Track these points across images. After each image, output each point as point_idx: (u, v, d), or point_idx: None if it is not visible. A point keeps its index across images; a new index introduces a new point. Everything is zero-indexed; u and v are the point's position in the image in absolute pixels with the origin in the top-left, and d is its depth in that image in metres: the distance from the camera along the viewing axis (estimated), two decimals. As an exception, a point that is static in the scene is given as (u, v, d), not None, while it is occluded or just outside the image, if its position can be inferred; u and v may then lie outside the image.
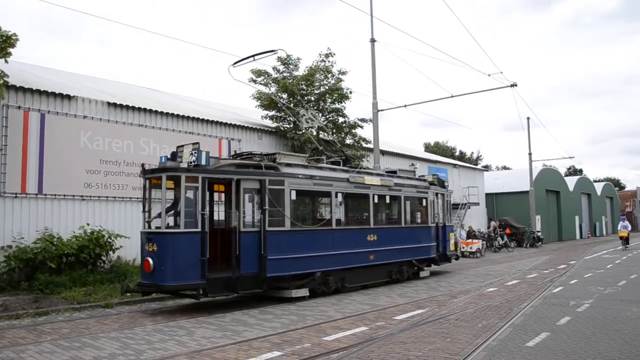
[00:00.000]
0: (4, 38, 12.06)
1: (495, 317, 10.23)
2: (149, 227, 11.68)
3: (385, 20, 74.00)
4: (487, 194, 41.35)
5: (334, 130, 23.16)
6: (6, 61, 12.52)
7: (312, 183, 13.59)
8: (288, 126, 22.02)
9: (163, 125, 17.89)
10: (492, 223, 35.16)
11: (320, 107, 22.58)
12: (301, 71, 22.39)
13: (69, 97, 15.51)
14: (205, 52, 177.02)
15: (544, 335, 8.59)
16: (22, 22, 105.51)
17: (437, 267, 19.30)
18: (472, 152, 75.47)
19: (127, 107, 17.03)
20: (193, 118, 18.96)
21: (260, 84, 22.23)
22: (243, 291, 11.85)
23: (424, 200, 18.13)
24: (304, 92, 22.06)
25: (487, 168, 58.16)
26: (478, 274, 19.17)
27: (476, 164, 61.19)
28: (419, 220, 18.03)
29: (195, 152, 11.31)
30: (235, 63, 15.11)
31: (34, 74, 17.80)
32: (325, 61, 22.45)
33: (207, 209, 11.83)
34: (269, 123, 22.30)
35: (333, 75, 22.54)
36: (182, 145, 11.87)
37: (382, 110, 22.62)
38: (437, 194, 18.91)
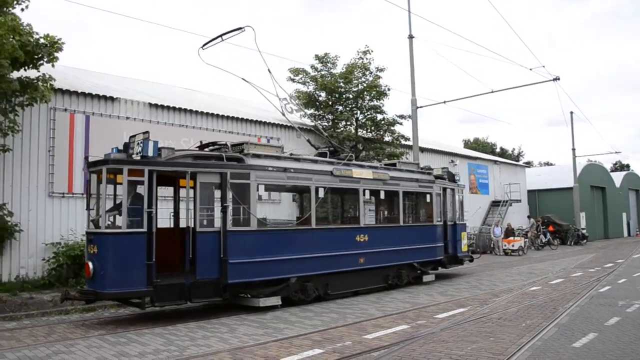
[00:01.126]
0: (51, 43, 12.42)
1: (540, 316, 10.02)
2: (96, 226, 10.40)
3: (423, 15, 73.38)
4: (529, 191, 40.42)
5: (373, 128, 23.11)
6: (53, 65, 12.89)
7: (285, 176, 12.12)
8: (327, 124, 22.09)
9: (203, 125, 18.15)
10: (532, 220, 34.42)
11: (359, 104, 22.58)
12: (339, 69, 22.44)
13: (112, 98, 15.92)
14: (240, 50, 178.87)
15: (591, 335, 8.38)
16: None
17: (445, 269, 17.58)
18: (514, 149, 73.90)
19: (168, 107, 17.37)
20: (232, 117, 19.20)
21: (299, 82, 22.40)
22: (199, 299, 10.68)
23: (428, 196, 16.33)
24: (342, 89, 22.08)
25: (529, 164, 56.94)
26: (520, 272, 18.81)
27: (517, 161, 59.99)
28: (421, 218, 16.58)
29: (141, 142, 9.97)
30: (203, 45, 13.57)
31: (78, 77, 18.32)
32: (363, 58, 22.46)
33: (155, 206, 10.27)
34: (307, 121, 22.39)
35: (371, 73, 22.51)
36: (134, 135, 10.53)
37: (421, 107, 22.46)
38: (444, 188, 17.19)
